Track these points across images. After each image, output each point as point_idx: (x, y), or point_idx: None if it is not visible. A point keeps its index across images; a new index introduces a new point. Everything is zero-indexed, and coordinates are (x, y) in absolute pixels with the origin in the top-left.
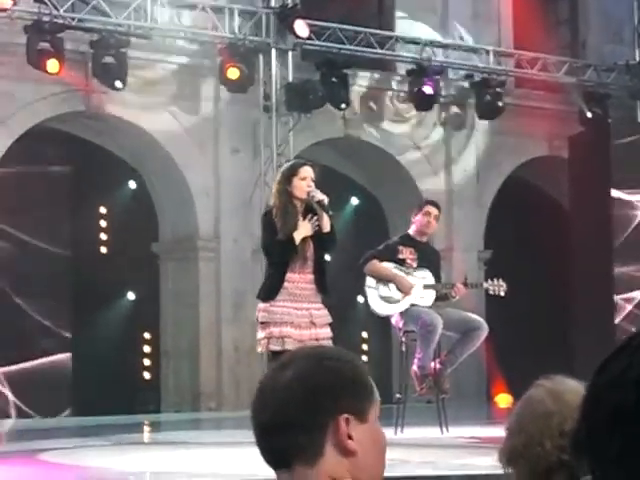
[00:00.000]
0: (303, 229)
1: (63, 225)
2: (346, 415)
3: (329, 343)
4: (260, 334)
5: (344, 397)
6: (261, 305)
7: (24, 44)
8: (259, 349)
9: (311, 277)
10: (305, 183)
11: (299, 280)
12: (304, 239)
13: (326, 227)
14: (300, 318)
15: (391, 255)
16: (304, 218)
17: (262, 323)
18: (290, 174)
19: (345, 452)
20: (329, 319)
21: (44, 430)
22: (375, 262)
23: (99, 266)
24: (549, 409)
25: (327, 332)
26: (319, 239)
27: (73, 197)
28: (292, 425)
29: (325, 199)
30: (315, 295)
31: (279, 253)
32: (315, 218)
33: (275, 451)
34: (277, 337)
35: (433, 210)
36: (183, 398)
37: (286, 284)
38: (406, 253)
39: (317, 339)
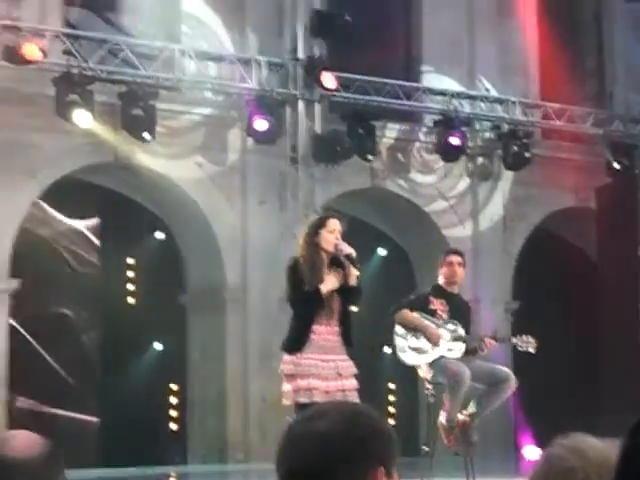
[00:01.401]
0: (329, 282)
1: (90, 276)
2: (382, 467)
3: (355, 394)
4: (286, 386)
5: (379, 451)
6: (287, 357)
7: (53, 96)
8: (285, 401)
9: (337, 329)
10: (333, 236)
11: (325, 332)
12: (330, 291)
13: (353, 280)
14: (326, 370)
15: (422, 305)
16: (330, 270)
17: (288, 375)
18: (318, 226)
19: None
20: (355, 370)
21: None
22: (406, 311)
23: (126, 317)
24: (572, 465)
25: (353, 383)
26: (345, 292)
27: (101, 248)
28: (331, 474)
29: (352, 252)
30: (341, 347)
31: (305, 305)
32: (341, 271)
33: None
34: (305, 389)
35: (455, 258)
36: (210, 449)
37: (312, 336)
38: (437, 304)
39: (343, 390)
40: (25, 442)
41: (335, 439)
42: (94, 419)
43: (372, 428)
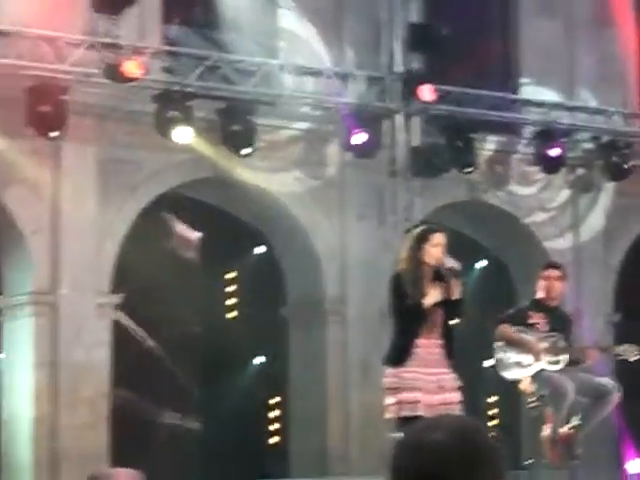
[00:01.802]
0: (432, 296)
1: (192, 290)
2: None
3: (458, 407)
4: (390, 400)
5: (495, 464)
6: (390, 370)
7: (153, 113)
8: (388, 415)
9: (439, 342)
10: (437, 250)
11: (428, 345)
12: (433, 305)
13: (455, 294)
14: (430, 383)
15: (522, 319)
16: (433, 284)
17: (391, 389)
18: (422, 240)
19: None
20: (458, 383)
21: None
22: (506, 326)
23: (228, 331)
24: None
25: (456, 396)
26: (448, 305)
27: (203, 263)
28: None
29: (456, 266)
30: (443, 360)
31: (408, 319)
32: (444, 285)
33: None
34: (409, 403)
35: (552, 272)
36: (310, 463)
37: (416, 349)
38: (536, 318)
39: (446, 404)
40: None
41: (454, 449)
42: (196, 424)
43: (486, 442)
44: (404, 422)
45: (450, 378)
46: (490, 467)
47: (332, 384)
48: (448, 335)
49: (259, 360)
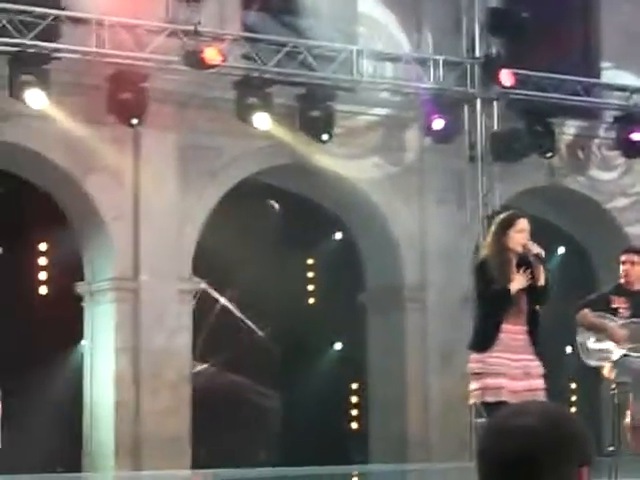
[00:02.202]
0: (518, 282)
1: (271, 277)
2: (587, 467)
3: (543, 394)
4: (474, 385)
5: (584, 451)
6: (475, 356)
7: (233, 99)
8: (471, 400)
9: (525, 328)
10: (521, 236)
11: (513, 331)
12: (518, 291)
13: (541, 280)
14: (515, 369)
15: (603, 305)
16: (518, 270)
17: (476, 374)
18: (506, 226)
19: None
20: (543, 370)
21: None
22: (587, 312)
23: (306, 317)
24: None
25: (541, 383)
26: (533, 291)
27: (281, 249)
28: (538, 468)
29: (542, 252)
30: (529, 346)
31: (494, 304)
32: (530, 271)
33: None
34: (493, 388)
35: (630, 257)
36: (391, 449)
37: (501, 335)
38: (619, 302)
39: (532, 390)
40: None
41: (544, 434)
42: (277, 411)
43: (575, 427)
44: (488, 408)
45: (535, 365)
46: (578, 452)
47: (411, 370)
48: (534, 321)
49: (338, 346)
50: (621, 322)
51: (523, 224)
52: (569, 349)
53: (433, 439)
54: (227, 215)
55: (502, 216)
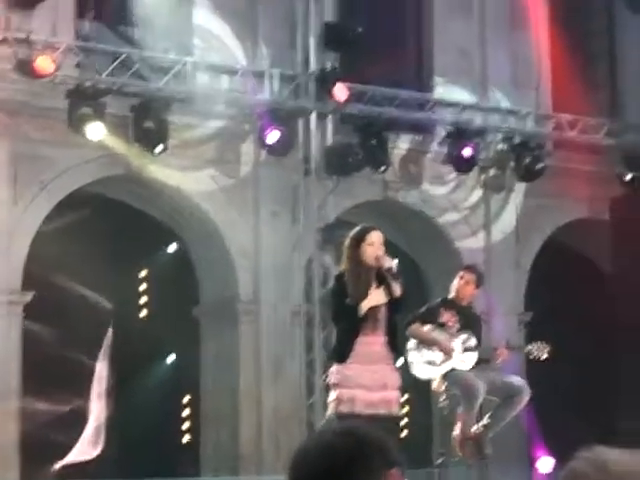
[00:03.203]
0: (373, 299)
1: (104, 289)
2: (396, 469)
3: (398, 405)
4: (331, 396)
5: (387, 456)
6: (334, 367)
7: (66, 109)
8: (328, 411)
9: (383, 339)
10: (373, 249)
11: (372, 342)
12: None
13: (396, 292)
14: (371, 380)
15: (433, 318)
16: (377, 282)
17: (333, 385)
18: (359, 239)
19: None
20: (400, 382)
21: None
22: (417, 325)
23: (140, 329)
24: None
25: (397, 394)
26: (391, 302)
27: (114, 261)
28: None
29: (393, 266)
30: (387, 357)
31: (349, 318)
32: (386, 284)
33: None
34: (347, 399)
35: (467, 275)
36: (222, 462)
37: (358, 347)
38: (447, 316)
39: (387, 401)
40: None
41: (341, 448)
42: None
43: (373, 438)
44: (342, 418)
45: (393, 376)
46: (380, 459)
47: (244, 383)
48: (393, 332)
49: (172, 359)
50: (450, 335)
51: (375, 237)
52: (401, 361)
53: (265, 452)
54: (58, 226)
55: (354, 230)
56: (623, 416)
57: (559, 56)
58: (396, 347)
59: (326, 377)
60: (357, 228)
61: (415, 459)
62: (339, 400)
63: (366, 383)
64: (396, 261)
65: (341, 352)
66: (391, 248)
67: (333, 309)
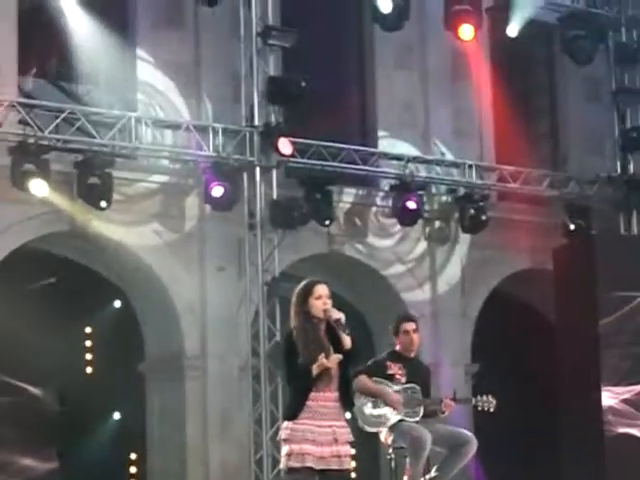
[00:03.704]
0: (324, 363)
1: (48, 346)
2: None
3: (349, 460)
4: (283, 451)
5: None
6: (285, 423)
7: (9, 165)
8: (281, 465)
9: (335, 395)
10: (321, 302)
11: (322, 399)
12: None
13: (347, 345)
14: (322, 436)
15: (379, 371)
16: (327, 336)
17: (284, 440)
18: (305, 294)
19: None
20: (351, 437)
21: None
22: (363, 378)
23: (84, 387)
24: None
25: (348, 449)
26: (343, 356)
27: (58, 317)
28: None
29: (342, 318)
30: (339, 412)
31: (299, 380)
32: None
33: None
34: (297, 454)
35: (409, 326)
36: None
37: (310, 402)
38: (395, 369)
39: (338, 456)
40: None
41: None
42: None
43: None
44: (292, 473)
45: (344, 431)
46: None
47: (191, 439)
48: (345, 385)
49: (117, 416)
50: (397, 388)
51: (321, 290)
52: (348, 415)
53: None
54: (1, 283)
55: (300, 285)
56: (567, 464)
57: (502, 109)
58: (348, 402)
59: (277, 433)
60: (303, 283)
61: None
62: (289, 455)
63: (317, 438)
64: (343, 315)
65: (292, 409)
66: (338, 301)
67: (285, 369)
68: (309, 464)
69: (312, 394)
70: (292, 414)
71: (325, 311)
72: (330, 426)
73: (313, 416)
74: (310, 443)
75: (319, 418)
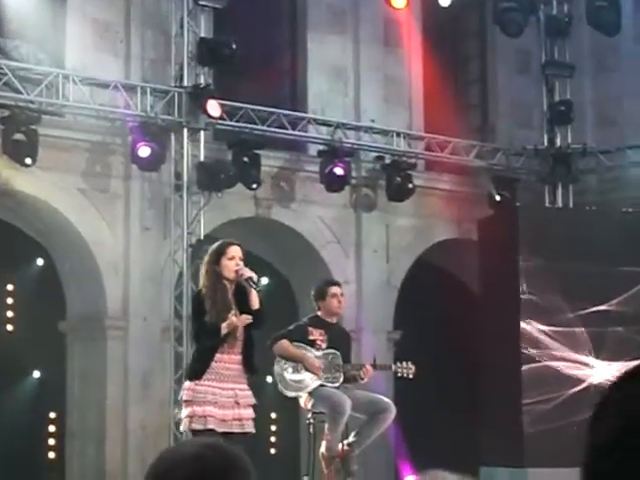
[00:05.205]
0: (233, 323)
1: None
2: None
3: (251, 424)
4: (184, 412)
5: (247, 471)
6: (186, 384)
7: None
8: (182, 427)
9: (239, 357)
10: (233, 262)
11: (227, 360)
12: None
13: (255, 304)
14: (225, 398)
15: (301, 336)
16: (235, 298)
17: (186, 401)
18: (218, 254)
19: None
20: (253, 400)
21: None
22: (284, 342)
23: (4, 344)
24: None
25: (250, 413)
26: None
27: None
28: None
29: (254, 276)
30: (241, 375)
31: (206, 338)
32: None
33: None
34: (199, 416)
35: (337, 289)
36: (88, 479)
37: (213, 364)
38: (316, 334)
39: (240, 419)
40: None
41: (210, 459)
42: None
43: (235, 450)
44: (195, 435)
45: (246, 394)
46: (241, 473)
47: (111, 400)
48: (248, 349)
49: (37, 374)
50: (318, 353)
51: (234, 251)
52: (269, 379)
53: (131, 469)
54: None
55: (213, 246)
56: (485, 434)
57: (432, 78)
58: (251, 365)
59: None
60: (217, 243)
61: (282, 477)
62: (192, 417)
63: (219, 400)
64: (255, 274)
65: (196, 369)
66: (263, 266)
67: (193, 327)
68: (211, 426)
69: (217, 356)
70: (195, 374)
71: (237, 271)
72: (232, 389)
73: (216, 378)
74: (212, 405)
75: (222, 380)
